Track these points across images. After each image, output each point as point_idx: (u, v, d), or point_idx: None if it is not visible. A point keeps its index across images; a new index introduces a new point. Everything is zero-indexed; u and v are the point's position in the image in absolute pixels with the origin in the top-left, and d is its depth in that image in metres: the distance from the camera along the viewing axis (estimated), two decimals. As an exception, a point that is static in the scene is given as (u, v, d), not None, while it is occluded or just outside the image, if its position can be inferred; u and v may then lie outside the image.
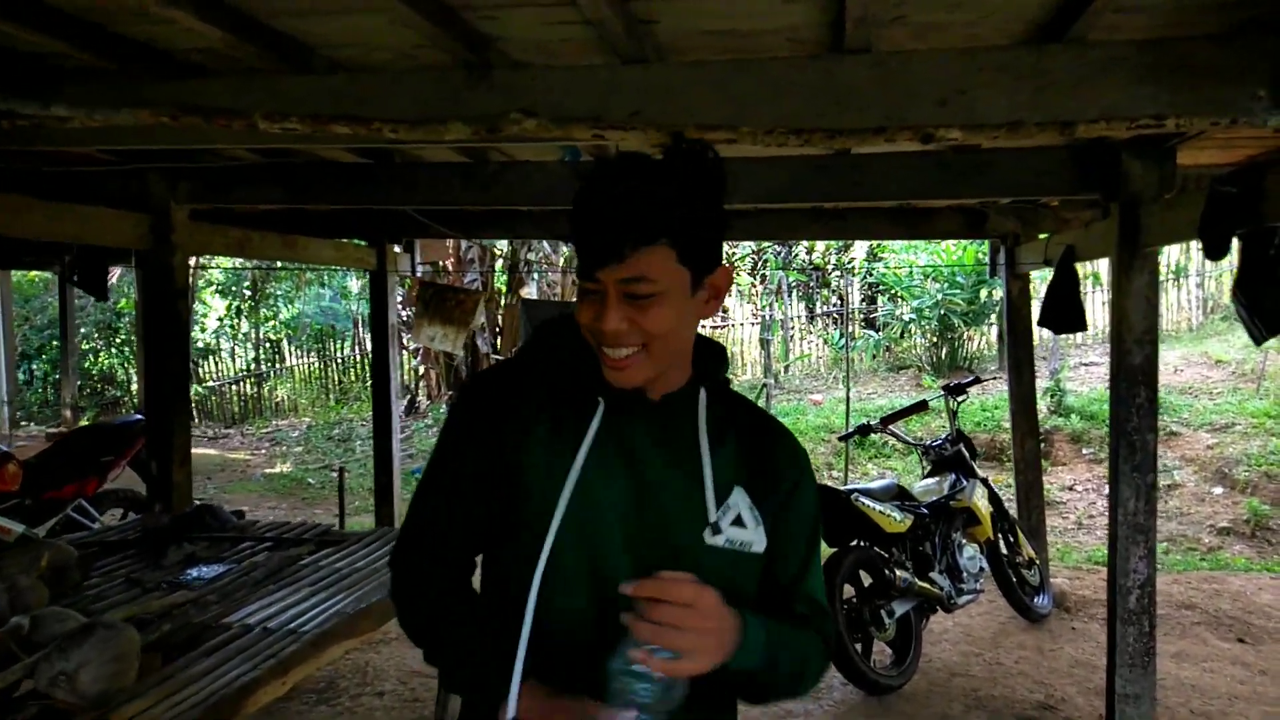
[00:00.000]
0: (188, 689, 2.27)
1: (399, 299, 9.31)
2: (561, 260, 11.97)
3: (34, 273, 12.64)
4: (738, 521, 1.15)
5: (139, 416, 5.18)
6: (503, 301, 11.91)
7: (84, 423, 10.56)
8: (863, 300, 14.47)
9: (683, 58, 2.48)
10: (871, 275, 14.06)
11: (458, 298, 6.33)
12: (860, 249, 14.20)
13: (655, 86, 2.40)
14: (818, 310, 14.48)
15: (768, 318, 12.09)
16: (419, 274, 7.12)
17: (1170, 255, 12.66)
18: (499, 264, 12.19)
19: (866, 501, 4.25)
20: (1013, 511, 5.48)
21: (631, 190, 1.04)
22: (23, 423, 12.15)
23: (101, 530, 3.98)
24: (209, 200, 4.25)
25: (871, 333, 13.54)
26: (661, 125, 2.25)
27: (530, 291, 11.55)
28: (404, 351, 12.45)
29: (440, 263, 11.22)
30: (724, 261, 1.14)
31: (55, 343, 12.57)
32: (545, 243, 11.36)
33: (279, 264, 12.93)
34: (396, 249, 6.50)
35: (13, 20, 2.26)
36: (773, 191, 3.91)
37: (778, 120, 2.31)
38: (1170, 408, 8.87)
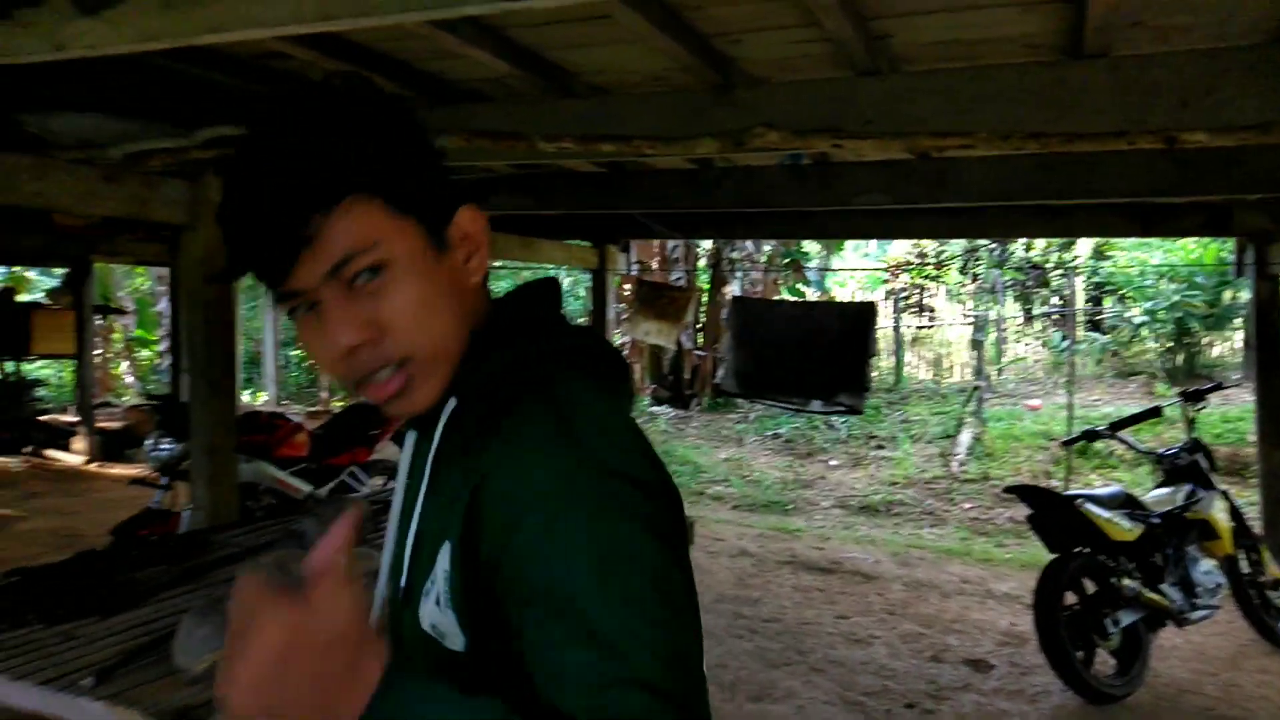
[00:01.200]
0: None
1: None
2: (764, 258, 12.15)
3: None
4: (440, 599, 0.75)
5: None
6: (704, 298, 12.24)
7: (336, 404, 11.88)
8: (1087, 301, 13.62)
9: (914, 67, 2.60)
10: (1097, 274, 13.22)
11: (671, 295, 6.66)
12: (1085, 246, 13.37)
13: (888, 96, 2.55)
14: (1035, 311, 13.78)
15: (981, 318, 11.66)
16: (632, 272, 7.56)
17: None
18: (701, 262, 12.53)
19: (1092, 507, 4.15)
20: (1257, 529, 5.10)
21: (283, 146, 0.72)
22: (283, 402, 13.81)
23: (373, 492, 4.60)
24: (467, 207, 4.78)
25: (1097, 335, 12.74)
26: (895, 134, 2.40)
27: (734, 289, 11.79)
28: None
29: (646, 261, 11.73)
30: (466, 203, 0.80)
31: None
32: (748, 241, 11.58)
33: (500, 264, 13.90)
34: (613, 248, 6.95)
35: (343, 60, 2.75)
36: (993, 190, 3.91)
37: (1010, 125, 2.39)
38: None
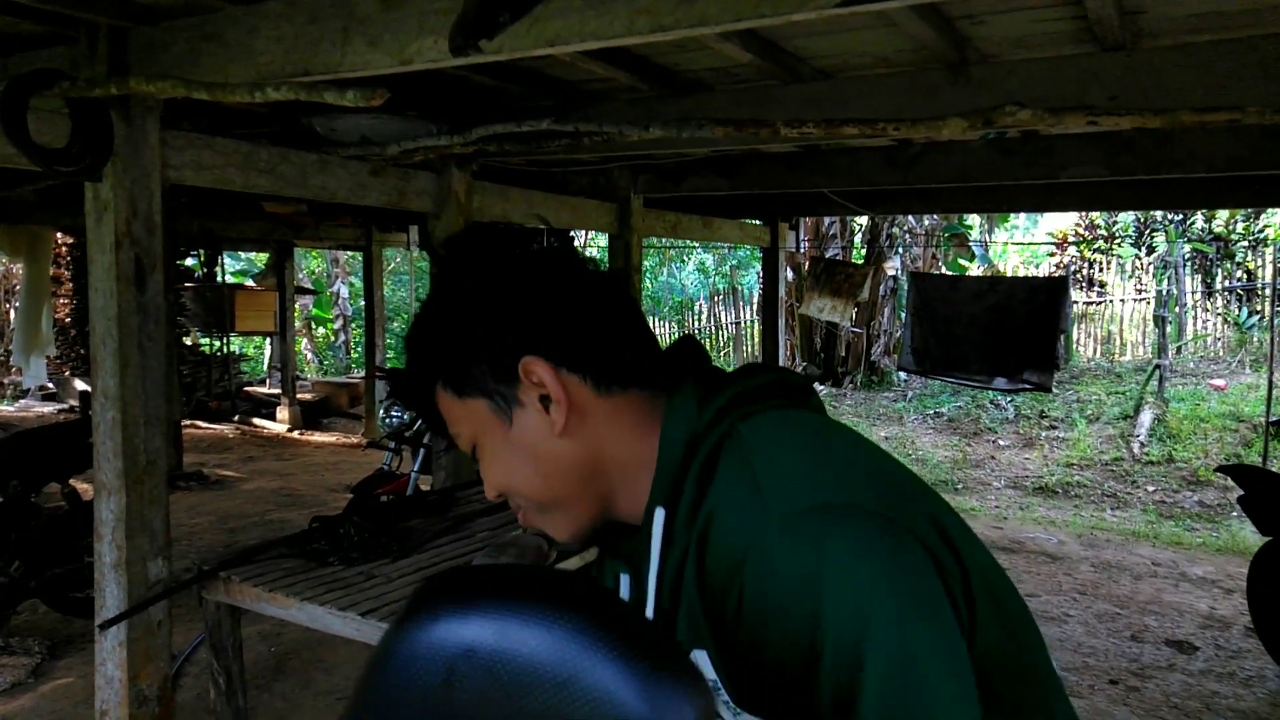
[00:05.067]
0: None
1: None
2: (923, 232, 11.90)
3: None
4: (729, 708, 0.74)
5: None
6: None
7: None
8: (1276, 275, 12.67)
9: (1162, 41, 2.58)
10: (1290, 245, 12.26)
11: (847, 271, 6.70)
12: (1277, 215, 12.43)
13: (1136, 71, 2.55)
14: (1217, 286, 12.93)
15: (1163, 293, 11.07)
16: (801, 249, 7.61)
17: None
18: (857, 238, 12.38)
19: (1313, 487, 3.98)
20: None
21: (413, 336, 0.87)
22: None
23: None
24: (664, 190, 4.98)
25: (1289, 311, 11.84)
26: (1143, 109, 2.41)
27: (894, 265, 11.63)
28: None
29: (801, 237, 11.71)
30: (537, 352, 0.79)
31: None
32: (910, 215, 11.37)
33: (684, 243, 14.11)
34: (784, 226, 7.01)
35: (589, 56, 2.96)
36: (1220, 161, 3.77)
37: (1269, 99, 2.36)
38: None
